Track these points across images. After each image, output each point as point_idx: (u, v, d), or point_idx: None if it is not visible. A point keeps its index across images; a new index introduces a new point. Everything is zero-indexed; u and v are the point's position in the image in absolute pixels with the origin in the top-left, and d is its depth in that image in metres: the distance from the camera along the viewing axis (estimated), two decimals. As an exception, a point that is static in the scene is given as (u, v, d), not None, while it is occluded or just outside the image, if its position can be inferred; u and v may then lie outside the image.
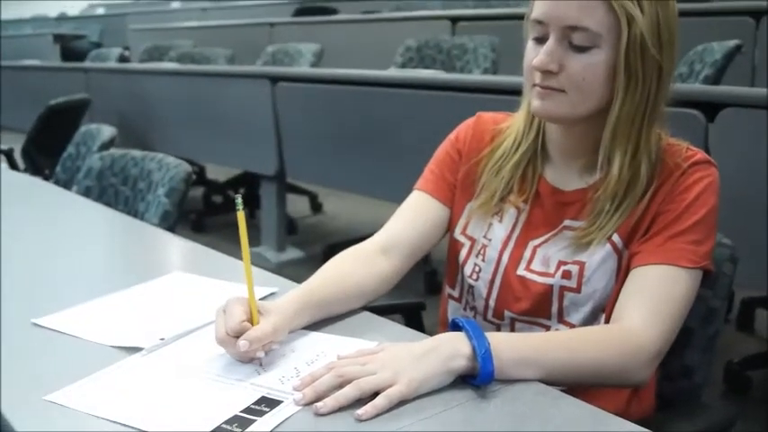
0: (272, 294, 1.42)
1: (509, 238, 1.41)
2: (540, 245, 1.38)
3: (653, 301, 1.23)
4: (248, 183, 5.30)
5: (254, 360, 1.14)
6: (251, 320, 1.15)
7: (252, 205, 5.09)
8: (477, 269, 1.43)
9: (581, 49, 1.24)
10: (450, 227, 1.48)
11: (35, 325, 1.31)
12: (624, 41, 1.22)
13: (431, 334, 1.18)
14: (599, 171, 1.31)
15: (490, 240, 1.42)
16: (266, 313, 1.18)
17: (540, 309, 1.37)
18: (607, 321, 1.30)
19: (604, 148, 1.29)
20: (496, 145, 1.44)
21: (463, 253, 1.46)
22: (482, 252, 1.43)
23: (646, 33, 1.22)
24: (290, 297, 1.26)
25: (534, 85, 1.29)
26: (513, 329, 1.40)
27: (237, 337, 1.12)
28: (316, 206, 5.74)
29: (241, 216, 1.17)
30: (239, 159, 4.72)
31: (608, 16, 1.22)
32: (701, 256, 1.26)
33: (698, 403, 1.44)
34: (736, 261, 1.41)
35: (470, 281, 1.44)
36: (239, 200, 1.16)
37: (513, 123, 1.43)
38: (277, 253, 4.51)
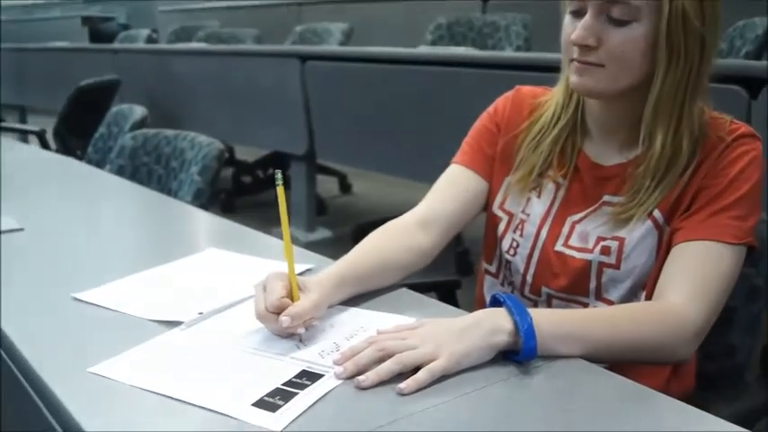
0: (308, 270, 1.43)
1: (547, 213, 1.40)
2: (578, 221, 1.37)
3: (696, 277, 1.21)
4: (277, 163, 5.31)
5: (294, 336, 1.14)
6: (291, 296, 1.15)
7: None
8: (514, 244, 1.43)
9: (620, 23, 1.22)
10: (488, 201, 1.48)
11: (76, 299, 1.32)
12: (665, 14, 1.20)
13: (467, 312, 1.17)
14: (640, 146, 1.30)
15: (528, 215, 1.42)
16: (306, 289, 1.18)
17: (578, 285, 1.36)
18: (647, 299, 1.29)
19: (646, 124, 1.28)
20: (535, 119, 1.43)
21: (501, 227, 1.45)
22: (520, 227, 1.42)
23: (688, 5, 1.20)
24: (330, 272, 1.26)
25: (572, 60, 1.27)
26: (549, 306, 1.40)
27: (277, 313, 1.12)
28: (345, 187, 5.74)
29: (281, 191, 1.17)
30: (269, 139, 4.72)
31: None
32: (744, 231, 1.24)
33: (740, 384, 1.42)
34: (780, 239, 1.39)
35: (508, 256, 1.44)
36: (279, 174, 1.16)
37: (552, 97, 1.42)
38: (306, 233, 4.52)
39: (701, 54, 1.24)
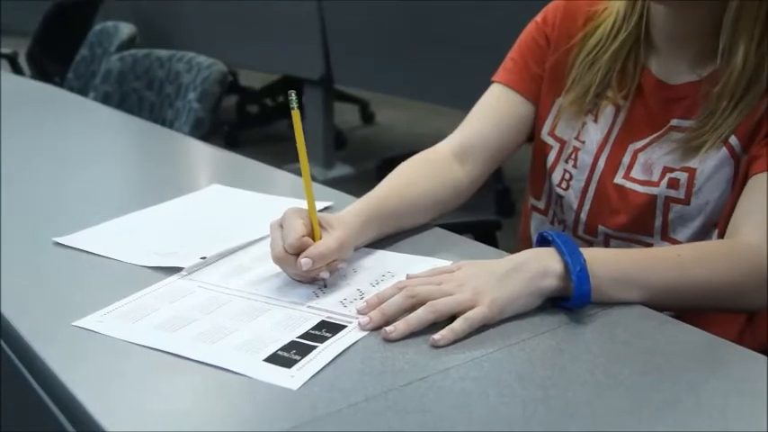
0: (327, 208, 1.43)
1: (606, 140, 1.39)
2: (641, 149, 1.36)
3: None
4: (289, 89, 5.28)
5: (317, 281, 1.15)
6: (312, 236, 1.15)
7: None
8: (567, 176, 1.43)
9: None
10: (535, 127, 1.47)
11: (57, 244, 1.34)
12: None
13: (509, 254, 1.17)
14: (718, 61, 1.27)
15: (583, 143, 1.41)
16: (329, 227, 1.18)
17: (640, 224, 1.35)
18: (720, 238, 1.28)
19: (727, 35, 1.25)
20: (591, 30, 1.40)
21: (551, 157, 1.45)
22: (573, 156, 1.42)
23: None
24: (356, 209, 1.26)
25: None
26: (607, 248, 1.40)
27: (297, 254, 1.12)
28: (367, 116, 5.73)
29: (296, 115, 1.16)
30: (279, 62, 4.71)
31: None
32: (834, 159, 1.23)
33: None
34: None
35: (559, 190, 1.44)
36: (293, 96, 1.15)
37: (611, 4, 1.39)
38: (324, 170, 4.53)
39: None
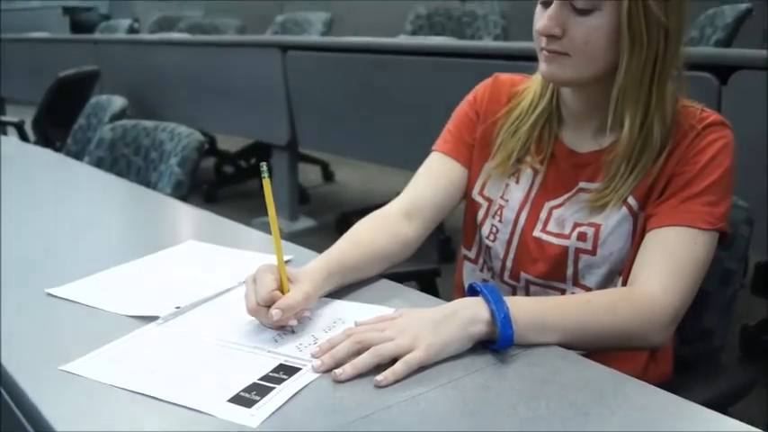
0: (287, 262, 1.41)
1: (526, 198, 1.40)
2: (556, 206, 1.37)
3: (669, 263, 1.21)
4: (260, 153, 5.29)
5: (286, 328, 1.13)
6: (281, 289, 1.14)
7: (263, 175, 5.07)
8: (494, 230, 1.43)
9: (583, 13, 1.23)
10: (467, 187, 1.47)
11: (49, 295, 1.30)
12: (626, 4, 1.20)
13: (447, 300, 1.17)
14: (609, 132, 1.30)
15: (507, 201, 1.41)
16: (296, 281, 1.17)
17: (555, 271, 1.36)
18: (624, 284, 1.28)
19: (612, 110, 1.28)
20: (513, 105, 1.43)
21: (480, 214, 1.45)
22: (499, 213, 1.42)
23: None
24: (319, 264, 1.25)
25: (541, 49, 1.28)
26: (527, 293, 1.40)
27: (269, 306, 1.11)
28: (327, 175, 5.73)
29: (267, 184, 1.16)
30: (251, 129, 4.70)
31: None
32: (716, 217, 1.24)
33: (717, 366, 1.42)
34: (752, 223, 1.40)
35: (488, 242, 1.44)
36: (264, 167, 1.15)
37: (530, 85, 1.42)
38: (290, 222, 4.50)
39: (665, 42, 1.24)
